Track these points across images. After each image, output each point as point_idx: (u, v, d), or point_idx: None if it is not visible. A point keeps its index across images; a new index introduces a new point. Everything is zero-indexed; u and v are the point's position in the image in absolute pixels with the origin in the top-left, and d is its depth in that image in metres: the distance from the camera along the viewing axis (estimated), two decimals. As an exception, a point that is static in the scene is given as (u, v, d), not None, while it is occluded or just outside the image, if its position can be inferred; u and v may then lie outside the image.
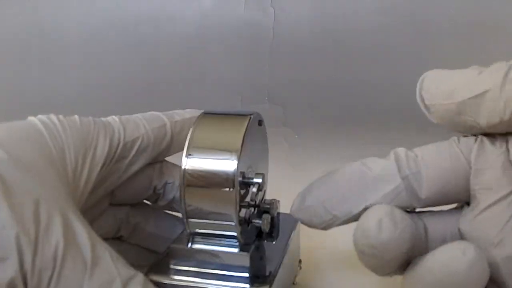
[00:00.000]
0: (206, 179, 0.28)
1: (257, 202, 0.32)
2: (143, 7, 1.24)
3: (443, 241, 0.29)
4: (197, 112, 0.35)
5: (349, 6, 1.04)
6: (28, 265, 0.22)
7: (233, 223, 0.29)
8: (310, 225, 0.31)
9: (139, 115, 0.34)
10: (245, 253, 0.29)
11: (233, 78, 1.15)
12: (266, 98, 1.11)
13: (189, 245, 0.30)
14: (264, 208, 0.33)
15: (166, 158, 0.38)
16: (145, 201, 0.38)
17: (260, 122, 0.32)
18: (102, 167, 0.30)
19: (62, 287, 0.22)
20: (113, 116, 0.33)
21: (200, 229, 0.30)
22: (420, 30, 0.97)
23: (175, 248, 0.30)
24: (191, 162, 0.29)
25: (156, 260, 0.31)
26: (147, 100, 1.17)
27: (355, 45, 1.03)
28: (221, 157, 0.28)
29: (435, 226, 0.29)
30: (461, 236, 0.28)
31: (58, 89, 1.19)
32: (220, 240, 0.30)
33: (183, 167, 0.29)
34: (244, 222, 0.30)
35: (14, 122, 0.29)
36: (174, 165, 0.37)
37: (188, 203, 0.29)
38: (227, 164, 0.28)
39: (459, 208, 0.31)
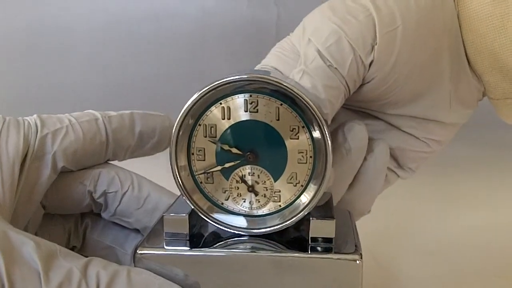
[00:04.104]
0: None
1: None
2: (145, 5, 1.24)
3: None
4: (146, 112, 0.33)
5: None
6: None
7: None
8: None
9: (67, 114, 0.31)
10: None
11: (236, 76, 1.14)
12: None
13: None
14: None
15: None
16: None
17: None
18: (22, 166, 0.27)
19: None
20: (34, 115, 0.30)
21: None
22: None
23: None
24: None
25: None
26: (148, 97, 1.16)
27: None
28: None
29: None
30: None
31: (59, 86, 1.19)
32: None
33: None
34: None
35: None
36: (119, 169, 0.32)
37: None
38: None
39: None
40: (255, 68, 0.35)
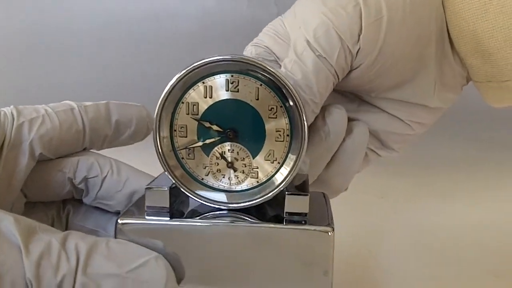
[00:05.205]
0: None
1: None
2: (145, 5, 1.24)
3: None
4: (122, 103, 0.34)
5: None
6: None
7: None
8: None
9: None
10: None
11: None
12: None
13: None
14: None
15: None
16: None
17: None
18: None
19: (4, 275, 0.22)
20: (11, 106, 0.31)
21: None
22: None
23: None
24: None
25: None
26: (148, 97, 1.16)
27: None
28: None
29: None
30: None
31: (59, 86, 1.19)
32: None
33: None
34: None
35: None
36: (97, 155, 0.33)
37: None
38: None
39: None
40: (249, 44, 0.38)
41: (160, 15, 1.24)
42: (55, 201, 0.34)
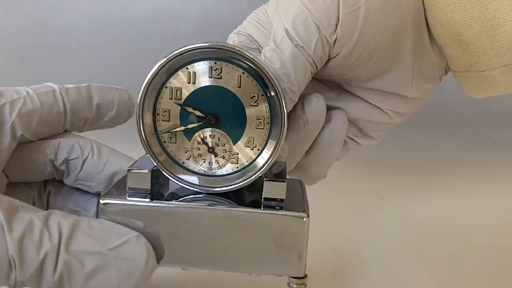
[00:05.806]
0: None
1: None
2: (145, 5, 1.24)
3: None
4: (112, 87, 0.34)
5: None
6: None
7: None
8: None
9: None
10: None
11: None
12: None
13: None
14: None
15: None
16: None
17: None
18: None
19: None
20: None
21: None
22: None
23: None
24: None
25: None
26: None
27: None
28: None
29: None
30: None
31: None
32: None
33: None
34: None
35: None
36: (78, 137, 0.34)
37: None
38: None
39: None
40: (233, 32, 0.38)
41: (161, 16, 1.25)
42: (37, 181, 0.34)
